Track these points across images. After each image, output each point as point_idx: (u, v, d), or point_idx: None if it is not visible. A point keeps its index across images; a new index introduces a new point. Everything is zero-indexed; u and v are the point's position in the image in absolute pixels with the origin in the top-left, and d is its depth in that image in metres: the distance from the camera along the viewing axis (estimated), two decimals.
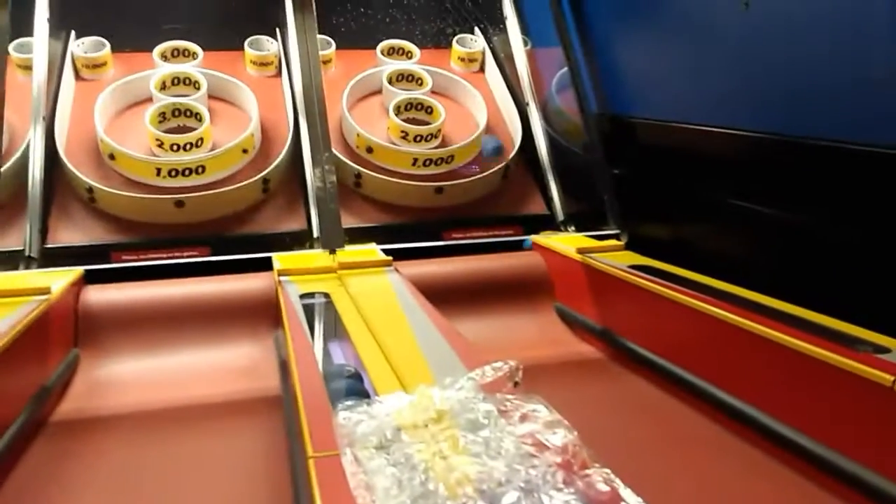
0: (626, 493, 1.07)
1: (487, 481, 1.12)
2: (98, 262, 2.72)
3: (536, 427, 1.27)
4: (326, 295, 2.37)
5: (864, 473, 1.59)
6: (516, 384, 1.48)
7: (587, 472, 1.13)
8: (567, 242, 3.01)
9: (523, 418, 1.31)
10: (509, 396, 1.39)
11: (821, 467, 1.71)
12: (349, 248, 2.85)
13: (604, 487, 1.09)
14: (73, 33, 3.34)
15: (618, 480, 1.10)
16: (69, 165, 2.93)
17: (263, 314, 2.62)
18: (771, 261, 2.43)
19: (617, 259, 2.75)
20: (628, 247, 2.97)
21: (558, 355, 2.68)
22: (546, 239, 3.12)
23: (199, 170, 2.98)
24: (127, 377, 2.42)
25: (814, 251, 2.25)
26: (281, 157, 3.12)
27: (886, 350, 1.72)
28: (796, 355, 1.77)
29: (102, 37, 3.37)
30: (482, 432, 1.28)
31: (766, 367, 1.91)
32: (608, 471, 1.12)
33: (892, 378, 1.53)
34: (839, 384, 1.66)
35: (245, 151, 3.10)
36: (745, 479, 1.81)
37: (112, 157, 2.98)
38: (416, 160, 3.26)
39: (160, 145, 3.00)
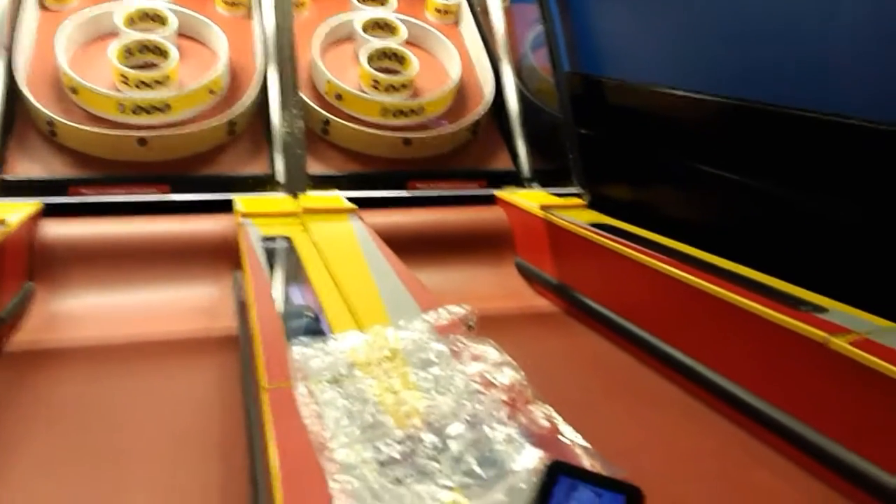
0: (565, 428, 1.12)
1: (435, 414, 1.16)
2: (56, 196, 2.67)
3: (485, 366, 1.31)
4: (288, 239, 2.38)
5: (800, 428, 1.67)
6: (470, 327, 1.52)
7: (530, 408, 1.17)
8: (530, 198, 3.04)
9: (473, 358, 1.35)
10: (462, 338, 1.43)
11: (758, 420, 1.79)
12: (313, 193, 2.84)
13: (544, 423, 1.13)
14: None
15: (559, 417, 1.15)
16: (30, 97, 2.85)
17: (223, 255, 2.61)
18: (726, 223, 2.49)
19: (578, 217, 2.79)
20: (591, 206, 3.02)
21: (515, 308, 2.74)
22: (510, 194, 3.15)
23: (164, 108, 2.93)
24: (83, 312, 2.41)
25: (768, 215, 2.32)
26: (248, 99, 3.08)
27: (824, 310, 1.80)
28: (742, 313, 1.84)
29: None
30: (433, 370, 1.32)
31: (712, 323, 1.98)
32: (550, 408, 1.17)
33: (826, 336, 1.60)
34: (779, 341, 1.73)
35: (212, 92, 3.05)
36: (686, 430, 1.89)
37: (74, 90, 2.91)
38: (385, 110, 3.24)
39: (125, 81, 2.94)
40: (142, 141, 2.87)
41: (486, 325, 1.53)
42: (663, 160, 2.83)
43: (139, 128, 2.89)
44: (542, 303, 2.81)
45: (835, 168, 2.08)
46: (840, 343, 1.57)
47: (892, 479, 1.44)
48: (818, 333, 1.62)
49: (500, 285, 2.90)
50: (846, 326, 1.66)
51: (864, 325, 1.68)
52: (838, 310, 1.80)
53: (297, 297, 2.15)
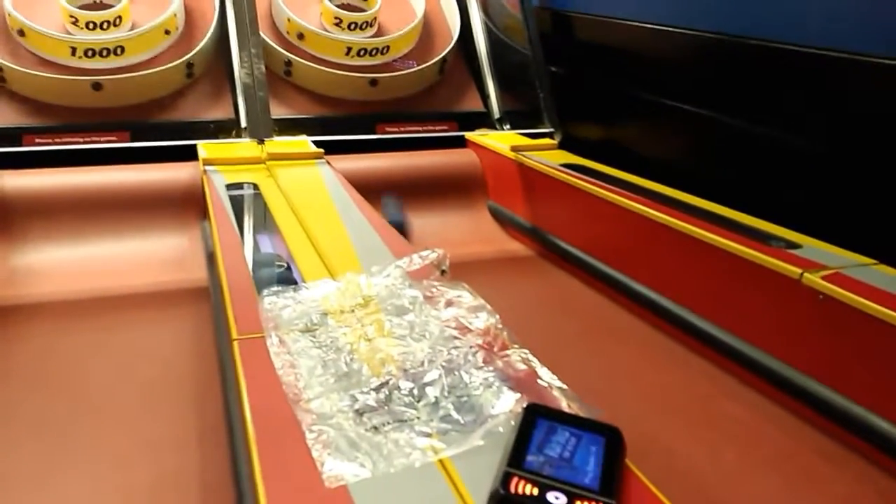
0: (542, 371, 1.12)
1: (410, 361, 1.14)
2: (10, 146, 2.57)
3: (460, 311, 1.30)
4: (254, 186, 2.32)
5: (770, 362, 1.70)
6: (443, 272, 1.50)
7: (506, 352, 1.17)
8: (501, 140, 3.00)
9: (448, 303, 1.33)
10: (435, 283, 1.41)
11: (731, 357, 1.81)
12: (278, 139, 2.76)
13: (521, 366, 1.13)
14: None
15: (535, 360, 1.14)
16: None
17: (188, 205, 2.54)
18: (698, 161, 2.49)
19: (549, 158, 2.76)
20: (562, 146, 2.98)
21: (489, 252, 2.73)
22: (480, 136, 3.10)
23: (118, 51, 2.80)
24: (47, 266, 2.34)
25: (739, 152, 2.31)
26: (205, 40, 2.95)
27: (798, 246, 1.81)
28: (714, 250, 1.84)
29: None
30: (407, 316, 1.30)
31: (685, 261, 1.98)
32: (526, 351, 1.17)
33: (800, 271, 1.61)
34: (753, 277, 1.74)
35: (167, 32, 2.92)
36: (658, 367, 1.92)
37: (22, 33, 2.76)
38: (349, 49, 3.14)
39: (74, 23, 2.80)
40: (97, 85, 2.75)
41: (460, 270, 1.51)
42: (634, 97, 2.79)
43: (93, 72, 2.77)
44: (515, 246, 2.80)
45: (807, 101, 2.07)
46: (813, 278, 1.58)
47: (861, 410, 1.48)
48: (793, 270, 1.63)
49: (472, 229, 2.88)
50: (820, 262, 1.67)
51: (838, 261, 1.69)
52: (811, 245, 1.81)
53: (267, 246, 2.11)
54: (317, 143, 2.69)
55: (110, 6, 2.88)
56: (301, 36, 3.11)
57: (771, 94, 2.18)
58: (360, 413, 1.02)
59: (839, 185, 1.96)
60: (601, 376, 1.79)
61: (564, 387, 1.09)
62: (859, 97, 1.90)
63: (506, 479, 0.83)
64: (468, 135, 3.13)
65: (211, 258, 2.22)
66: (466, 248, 2.62)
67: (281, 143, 2.70)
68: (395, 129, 3.09)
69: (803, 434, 1.61)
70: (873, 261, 1.70)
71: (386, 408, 1.03)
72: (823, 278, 1.57)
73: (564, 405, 1.05)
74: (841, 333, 1.54)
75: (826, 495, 1.45)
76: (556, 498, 0.81)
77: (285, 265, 1.88)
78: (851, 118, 1.93)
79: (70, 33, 2.80)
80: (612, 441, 0.92)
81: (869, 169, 1.87)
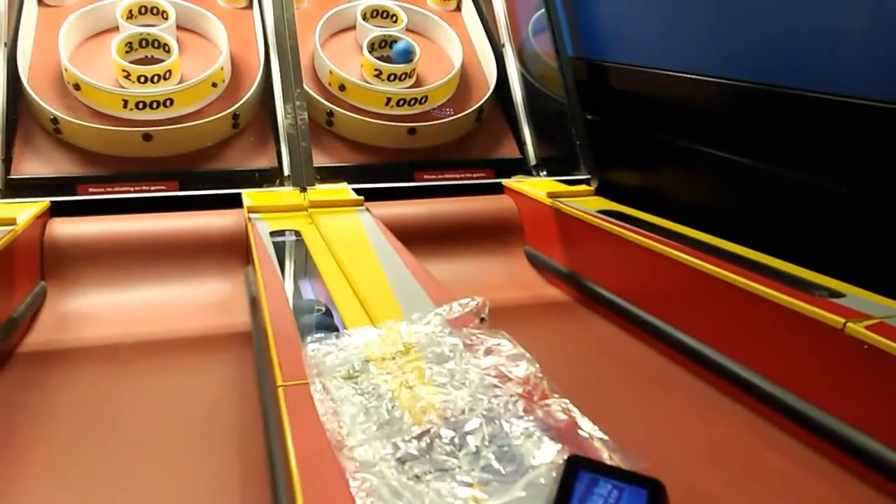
0: (582, 421, 1.12)
1: (451, 409, 1.16)
2: (64, 194, 2.68)
3: (500, 360, 1.31)
4: (297, 233, 2.38)
5: (815, 413, 1.66)
6: (482, 320, 1.52)
7: (547, 401, 1.17)
8: (538, 186, 3.03)
9: (488, 351, 1.35)
10: (475, 331, 1.43)
11: (775, 407, 1.78)
12: (320, 186, 2.83)
13: (562, 416, 1.13)
14: None
15: (575, 410, 1.14)
16: (33, 95, 2.84)
17: (232, 251, 2.61)
18: (737, 208, 2.48)
19: (586, 204, 2.78)
20: (598, 192, 3.00)
21: (526, 297, 2.73)
22: (517, 183, 3.13)
23: (167, 103, 2.92)
24: (95, 310, 2.42)
25: (779, 199, 2.30)
26: (251, 92, 3.06)
27: (841, 295, 1.78)
28: (756, 299, 1.83)
29: None
30: (448, 364, 1.32)
31: (726, 310, 1.96)
32: (567, 401, 1.17)
33: (843, 321, 1.59)
34: (795, 327, 1.72)
35: (214, 85, 3.04)
36: (700, 417, 1.89)
37: (77, 87, 2.90)
38: (389, 100, 3.23)
39: (127, 76, 2.93)
40: (147, 136, 2.87)
41: (498, 316, 1.52)
42: (670, 144, 2.80)
43: (143, 123, 2.89)
44: (553, 291, 2.80)
45: (845, 148, 2.06)
46: (857, 328, 1.56)
47: None
48: (836, 320, 1.60)
49: (510, 275, 2.89)
50: (863, 311, 1.64)
51: (882, 310, 1.66)
52: (855, 294, 1.78)
53: (309, 292, 2.15)
54: (357, 191, 2.75)
55: (161, 60, 3.01)
56: (342, 87, 3.20)
57: (811, 141, 2.17)
58: (402, 461, 1.03)
59: (882, 233, 1.94)
60: (642, 426, 1.77)
61: (606, 437, 1.08)
62: None
63: None
64: (505, 181, 3.17)
65: (254, 303, 2.27)
66: (504, 294, 2.64)
67: (322, 191, 2.77)
68: (433, 177, 3.14)
69: (850, 488, 1.56)
70: None
71: (427, 456, 1.04)
72: (867, 328, 1.55)
73: (606, 457, 1.04)
74: (885, 384, 1.50)
75: None
76: None
77: (326, 310, 1.91)
78: (892, 166, 1.91)
79: (122, 86, 2.93)
80: (654, 494, 0.92)
81: None
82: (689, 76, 2.63)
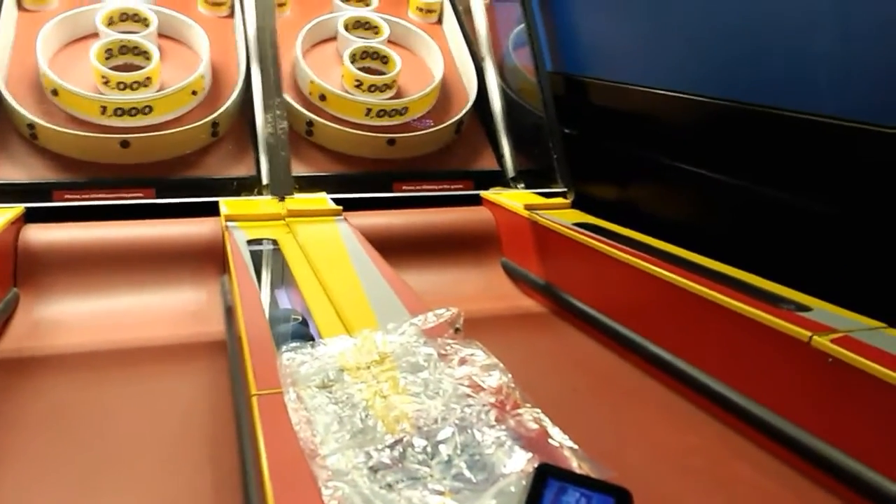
0: (553, 430, 1.14)
1: (424, 419, 1.17)
2: (39, 201, 2.65)
3: (473, 370, 1.32)
4: (274, 242, 2.38)
5: (782, 424, 1.70)
6: (457, 330, 1.53)
7: (518, 411, 1.19)
8: (515, 199, 3.06)
9: (461, 361, 1.36)
10: (449, 341, 1.44)
11: (744, 418, 1.82)
12: (298, 196, 2.84)
13: (533, 426, 1.15)
14: None
15: (547, 419, 1.16)
16: (10, 100, 2.82)
17: (209, 259, 2.60)
18: (709, 223, 2.52)
19: (563, 217, 2.81)
20: (575, 205, 3.04)
21: (502, 308, 2.75)
22: (495, 195, 3.16)
23: (146, 110, 2.91)
24: (69, 318, 2.40)
25: (750, 214, 2.35)
26: (231, 100, 3.07)
27: (808, 309, 1.83)
28: (726, 312, 1.87)
29: None
30: (422, 374, 1.33)
31: (697, 322, 2.00)
32: (538, 410, 1.19)
33: (809, 334, 1.63)
34: (763, 339, 1.76)
35: (194, 93, 3.04)
36: (671, 427, 1.92)
37: (55, 92, 2.88)
38: (369, 110, 3.24)
39: (106, 83, 2.92)
40: (124, 143, 2.86)
41: (473, 326, 1.54)
42: (646, 160, 2.85)
43: (121, 130, 2.88)
44: (528, 303, 2.83)
45: (814, 166, 2.11)
46: (822, 341, 1.60)
47: (870, 472, 1.47)
48: (801, 332, 1.64)
49: (486, 286, 2.91)
50: (829, 325, 1.69)
51: (847, 324, 1.71)
52: (821, 308, 1.83)
53: (285, 301, 2.15)
54: (336, 201, 2.76)
55: (141, 67, 3.00)
56: (323, 97, 3.22)
57: (780, 157, 2.22)
58: (374, 470, 1.04)
59: (849, 249, 1.99)
60: (614, 436, 1.79)
61: (576, 447, 1.10)
62: (868, 163, 1.94)
63: None
64: (483, 193, 3.20)
65: (229, 312, 2.27)
66: (480, 305, 2.66)
67: (301, 201, 2.77)
68: (412, 188, 3.16)
69: (815, 497, 1.60)
70: (882, 324, 1.72)
71: (400, 465, 1.05)
72: (832, 341, 1.59)
73: (575, 465, 1.06)
74: (849, 396, 1.54)
75: None
76: None
77: (302, 319, 1.92)
78: (860, 183, 1.96)
79: (101, 93, 2.91)
80: (621, 502, 0.94)
81: (878, 233, 1.90)
82: (664, 93, 2.68)
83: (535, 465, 1.01)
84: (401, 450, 1.08)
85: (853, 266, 1.97)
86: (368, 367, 1.38)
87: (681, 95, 2.61)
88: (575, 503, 0.93)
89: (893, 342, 1.61)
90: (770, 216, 2.27)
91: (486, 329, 1.53)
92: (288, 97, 3.12)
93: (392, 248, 2.52)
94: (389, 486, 1.00)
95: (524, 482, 0.98)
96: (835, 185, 2.05)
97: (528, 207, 2.89)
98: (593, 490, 0.96)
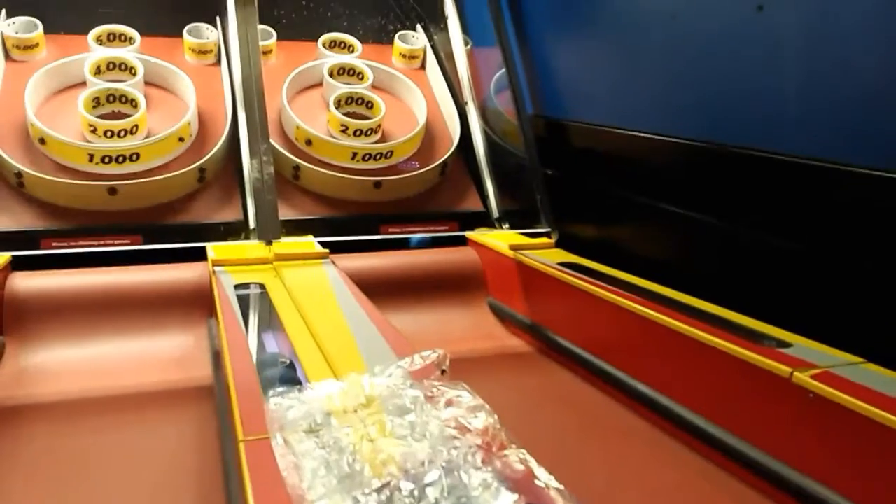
0: (539, 471, 1.15)
1: (411, 462, 1.18)
2: (27, 248, 2.66)
3: (460, 411, 1.34)
4: (262, 286, 2.39)
5: (766, 460, 1.72)
6: (443, 372, 1.55)
7: (505, 452, 1.20)
8: (500, 239, 3.10)
9: (448, 403, 1.38)
10: (436, 383, 1.46)
11: (728, 455, 1.83)
12: (286, 239, 2.86)
13: (519, 466, 1.16)
14: (3, 12, 3.25)
15: (532, 460, 1.18)
16: None
17: (196, 304, 2.61)
18: (691, 261, 2.57)
19: (547, 256, 2.84)
20: (559, 245, 3.08)
21: (489, 348, 2.77)
22: (480, 235, 3.20)
23: (133, 157, 2.94)
24: (56, 366, 2.38)
25: (731, 253, 2.39)
26: (218, 146, 3.11)
27: (788, 345, 1.86)
28: (709, 349, 1.89)
29: (35, 17, 3.29)
30: (409, 416, 1.34)
31: (681, 360, 2.02)
32: (524, 451, 1.20)
33: (790, 370, 1.66)
34: (746, 376, 1.78)
35: (181, 140, 3.08)
36: (656, 464, 1.93)
37: (42, 141, 2.91)
38: (355, 154, 3.29)
39: (93, 131, 2.95)
40: (112, 190, 2.88)
41: (461, 366, 1.55)
42: (627, 200, 2.90)
43: (109, 177, 2.90)
44: (515, 342, 2.84)
45: (787, 204, 2.16)
46: (803, 377, 1.62)
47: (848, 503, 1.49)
48: (783, 369, 1.67)
49: (473, 326, 2.93)
50: (810, 361, 1.72)
51: (827, 360, 1.74)
52: (802, 344, 1.86)
53: (272, 345, 2.16)
54: (323, 244, 2.79)
55: (129, 115, 3.04)
56: (309, 142, 3.27)
57: (755, 196, 2.28)
58: None
59: (827, 286, 2.03)
60: (599, 475, 1.80)
61: (561, 487, 1.12)
62: (844, 203, 1.99)
63: None
64: (469, 234, 3.24)
65: (217, 357, 2.27)
66: (467, 345, 2.68)
67: (288, 245, 2.80)
68: (398, 230, 3.19)
69: None
70: (861, 359, 1.75)
71: None
72: (812, 377, 1.62)
73: None
74: (830, 431, 1.57)
75: None
76: None
77: (289, 363, 1.93)
78: (832, 221, 2.01)
79: (89, 141, 2.95)
80: None
81: (852, 270, 1.95)
82: (642, 135, 2.74)
83: None
84: (388, 493, 1.09)
85: (831, 302, 2.01)
86: (356, 411, 1.38)
87: (658, 137, 2.68)
88: None
89: (872, 377, 1.64)
90: (748, 254, 2.31)
91: (473, 369, 1.55)
92: (274, 142, 3.16)
93: (379, 289, 2.54)
94: None
95: None
96: (808, 223, 2.10)
97: (513, 247, 2.93)
98: None
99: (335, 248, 2.76)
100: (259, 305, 2.34)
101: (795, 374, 1.65)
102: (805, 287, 2.10)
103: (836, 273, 2.02)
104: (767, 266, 2.24)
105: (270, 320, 2.25)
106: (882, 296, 1.87)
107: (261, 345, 2.22)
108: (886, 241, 1.86)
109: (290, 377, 1.82)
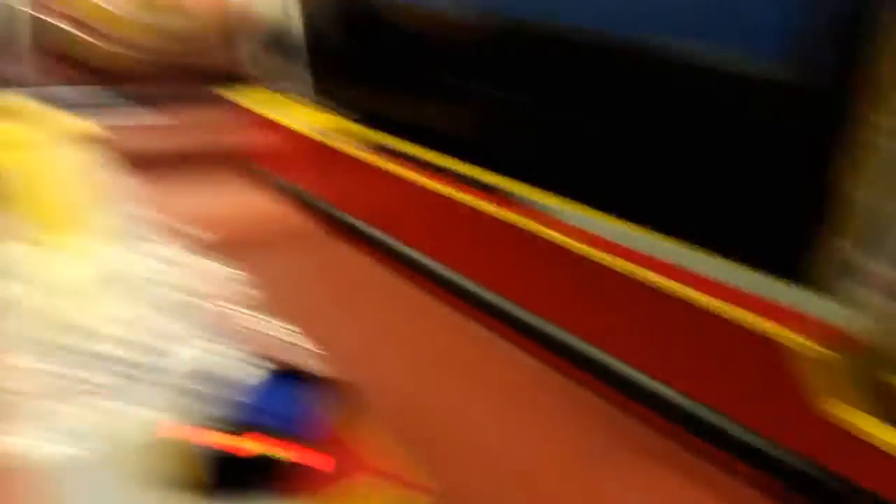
0: (273, 327, 1.16)
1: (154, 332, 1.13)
2: None
3: (207, 281, 1.30)
4: None
5: (528, 317, 1.86)
6: (200, 246, 1.48)
7: (245, 311, 1.19)
8: (290, 115, 2.93)
9: (195, 273, 1.33)
10: (186, 255, 1.40)
11: (486, 311, 1.97)
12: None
13: (259, 327, 1.16)
14: None
15: (272, 320, 1.19)
16: None
17: None
18: (478, 134, 2.55)
19: (338, 132, 2.73)
20: (317, 103, 2.91)
21: (268, 226, 2.69)
22: (257, 98, 3.01)
23: None
24: None
25: (518, 126, 2.39)
26: None
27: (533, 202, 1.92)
28: (462, 207, 2.00)
29: None
30: (156, 290, 1.28)
31: (455, 228, 2.09)
32: (274, 318, 1.19)
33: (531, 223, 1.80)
34: (505, 237, 1.90)
35: None
36: (425, 327, 2.01)
37: None
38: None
39: None
40: None
41: (240, 246, 1.49)
42: (418, 74, 2.80)
43: None
44: (299, 221, 2.77)
45: (575, 79, 2.17)
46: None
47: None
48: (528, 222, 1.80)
49: (250, 204, 2.83)
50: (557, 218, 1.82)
51: (570, 218, 1.81)
52: (569, 210, 1.89)
53: None
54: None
55: None
56: None
57: (552, 74, 2.25)
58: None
59: (606, 156, 2.08)
60: (363, 335, 1.87)
61: (292, 338, 1.16)
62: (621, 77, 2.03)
63: None
64: (238, 95, 3.04)
65: None
66: (243, 223, 2.59)
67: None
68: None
69: (569, 390, 1.76)
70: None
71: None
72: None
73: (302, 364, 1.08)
74: (559, 274, 1.74)
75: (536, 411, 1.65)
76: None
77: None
78: (617, 96, 2.05)
79: None
80: (340, 394, 0.96)
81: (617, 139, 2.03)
82: (432, 9, 2.63)
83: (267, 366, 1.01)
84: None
85: (608, 173, 2.07)
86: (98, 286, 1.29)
87: (451, 12, 2.59)
88: (295, 397, 0.95)
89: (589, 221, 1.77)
90: (538, 127, 2.31)
91: (252, 247, 1.49)
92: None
93: (152, 167, 2.33)
94: None
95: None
96: (592, 98, 2.11)
97: (303, 124, 2.78)
98: (312, 384, 0.98)
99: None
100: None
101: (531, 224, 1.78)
102: (582, 158, 2.15)
103: (614, 145, 2.07)
104: (552, 137, 2.25)
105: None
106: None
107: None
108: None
109: None
